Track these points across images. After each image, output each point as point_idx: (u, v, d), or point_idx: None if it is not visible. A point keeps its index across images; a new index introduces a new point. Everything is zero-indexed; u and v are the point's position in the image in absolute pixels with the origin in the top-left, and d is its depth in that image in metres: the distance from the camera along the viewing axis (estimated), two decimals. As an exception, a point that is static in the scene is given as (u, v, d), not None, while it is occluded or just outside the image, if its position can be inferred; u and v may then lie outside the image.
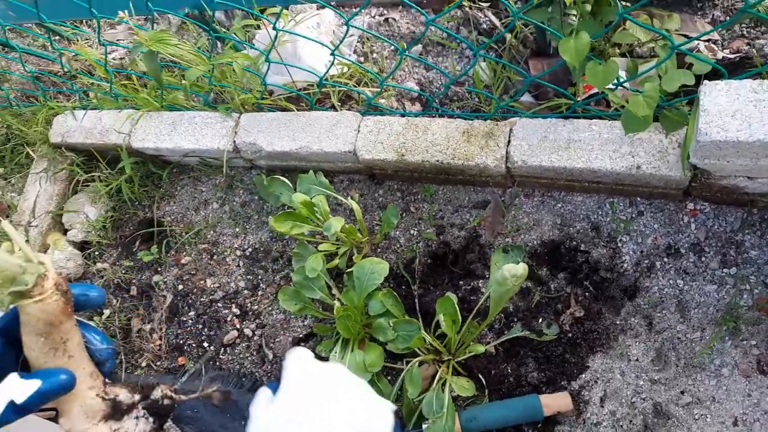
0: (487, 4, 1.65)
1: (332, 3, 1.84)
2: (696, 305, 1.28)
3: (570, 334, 1.35)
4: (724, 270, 1.28)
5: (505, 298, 1.17)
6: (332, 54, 1.36)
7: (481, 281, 1.48)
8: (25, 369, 0.64)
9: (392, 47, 1.79)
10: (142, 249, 1.93)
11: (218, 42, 1.84)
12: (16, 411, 0.55)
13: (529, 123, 1.37)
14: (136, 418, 0.68)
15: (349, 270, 1.45)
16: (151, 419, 0.69)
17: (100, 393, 0.65)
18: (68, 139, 1.98)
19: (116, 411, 0.67)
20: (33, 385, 0.57)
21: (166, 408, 0.70)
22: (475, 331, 1.38)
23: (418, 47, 1.75)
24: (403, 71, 1.71)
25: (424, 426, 1.28)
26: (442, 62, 1.72)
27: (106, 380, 0.68)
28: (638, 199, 1.40)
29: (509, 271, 1.10)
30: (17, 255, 0.59)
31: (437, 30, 1.74)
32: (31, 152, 2.05)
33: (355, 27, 1.49)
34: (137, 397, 0.68)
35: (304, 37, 1.41)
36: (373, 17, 1.84)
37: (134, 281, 1.89)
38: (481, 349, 1.29)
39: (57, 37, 2.36)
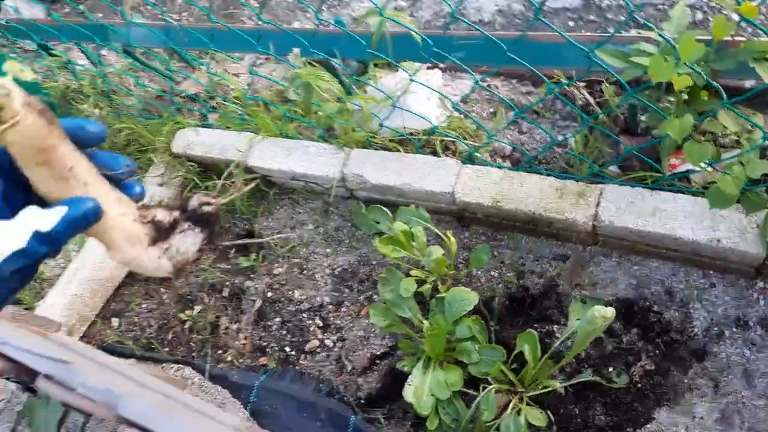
0: (583, 84, 1.87)
1: (441, 66, 2.11)
2: (761, 375, 1.39)
3: (639, 385, 1.47)
4: (791, 345, 1.39)
5: (591, 337, 1.31)
6: (454, 107, 1.58)
7: (556, 326, 1.63)
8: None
9: (490, 110, 2.02)
10: (237, 256, 2.14)
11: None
12: (44, 241, 0.50)
13: (617, 189, 1.55)
14: (182, 232, 0.62)
15: (439, 296, 1.61)
16: (197, 229, 0.63)
17: (136, 218, 0.59)
18: (189, 151, 2.25)
19: (160, 231, 0.60)
20: (58, 213, 0.51)
21: (209, 215, 0.63)
22: (549, 369, 1.51)
23: (512, 112, 1.98)
24: (495, 131, 1.93)
25: (494, 449, 1.40)
26: (536, 128, 1.94)
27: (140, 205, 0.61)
28: (711, 271, 1.54)
29: (599, 312, 1.26)
30: None
31: (534, 100, 1.97)
32: (153, 158, 2.33)
33: (481, 87, 1.72)
34: (176, 213, 0.62)
35: (435, 91, 1.65)
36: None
37: (227, 284, 2.09)
38: (556, 384, 1.43)
39: (179, 63, 2.70)
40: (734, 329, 1.46)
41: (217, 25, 1.78)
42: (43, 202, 0.54)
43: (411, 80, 1.64)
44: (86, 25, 2.14)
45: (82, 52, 2.55)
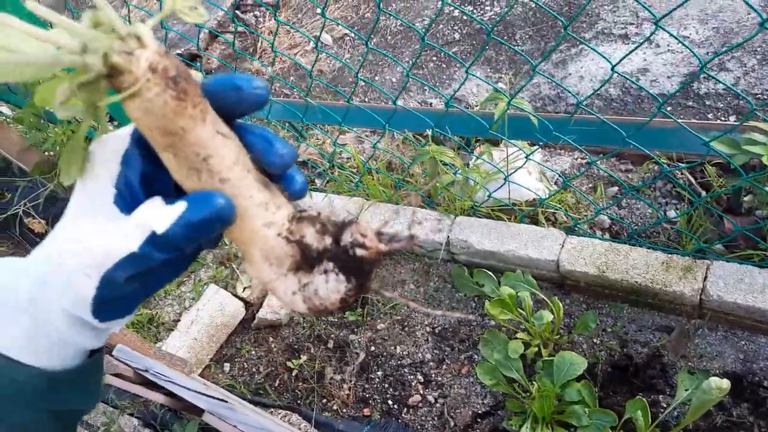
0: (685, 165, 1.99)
1: (541, 143, 2.29)
2: None
3: (752, 461, 1.49)
4: None
5: (704, 408, 1.38)
6: (565, 182, 1.75)
7: (661, 396, 1.68)
8: None
9: (589, 185, 2.17)
10: (342, 311, 2.32)
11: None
12: (158, 245, 0.38)
13: (725, 266, 1.64)
14: (325, 272, 0.44)
15: (546, 359, 1.72)
16: (342, 278, 0.44)
17: (282, 231, 0.44)
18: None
19: (306, 257, 0.44)
20: (176, 211, 0.38)
21: (362, 261, 0.44)
22: (658, 438, 1.56)
23: (614, 188, 2.12)
24: (600, 204, 2.07)
25: None
26: (635, 204, 2.06)
27: (295, 210, 0.45)
28: (824, 350, 1.57)
29: (715, 383, 1.33)
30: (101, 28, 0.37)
31: (634, 178, 2.11)
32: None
33: (598, 167, 1.88)
34: (328, 241, 0.44)
35: (545, 167, 1.82)
36: (575, 159, 2.26)
37: (333, 336, 2.26)
38: (667, 453, 1.47)
39: (288, 133, 3.03)
40: None
41: (351, 104, 2.06)
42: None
43: (527, 158, 1.82)
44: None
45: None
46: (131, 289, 0.41)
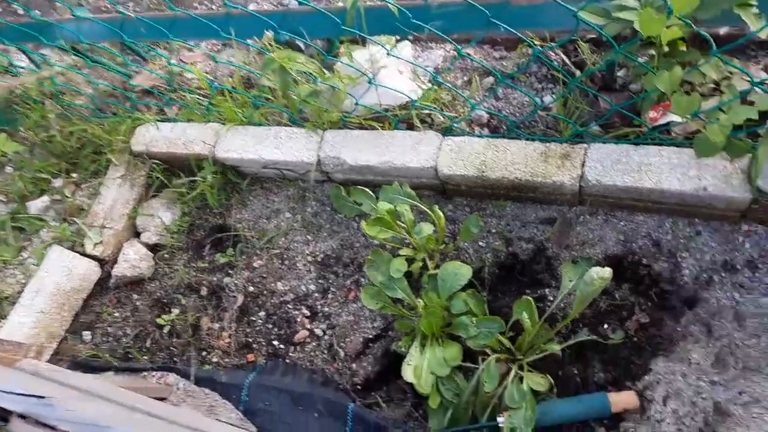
0: (557, 43, 1.92)
1: (410, 38, 2.14)
2: (752, 315, 1.48)
3: (634, 339, 1.54)
4: (777, 285, 1.49)
5: (590, 298, 1.37)
6: (434, 78, 1.62)
7: (547, 290, 1.69)
8: None
9: (464, 78, 2.07)
10: (212, 253, 2.13)
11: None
12: None
13: (601, 148, 1.62)
14: None
15: (431, 273, 1.65)
16: None
17: None
18: (151, 148, 2.22)
19: None
20: None
21: None
22: (547, 334, 1.57)
23: (490, 78, 2.03)
24: (475, 99, 1.97)
25: (499, 419, 1.45)
26: (511, 94, 1.99)
27: None
28: (696, 220, 1.63)
29: (597, 273, 1.32)
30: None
31: (508, 65, 2.02)
32: (113, 159, 2.29)
33: (464, 55, 1.75)
34: None
35: (412, 63, 1.67)
36: (448, 51, 2.13)
37: (204, 282, 2.08)
38: (556, 348, 1.49)
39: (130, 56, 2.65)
40: (723, 274, 1.55)
41: (177, 13, 1.76)
42: None
43: (388, 54, 1.66)
44: (29, 24, 2.07)
45: (23, 52, 2.47)
46: None
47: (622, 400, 1.46)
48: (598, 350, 1.57)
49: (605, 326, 1.59)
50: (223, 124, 2.13)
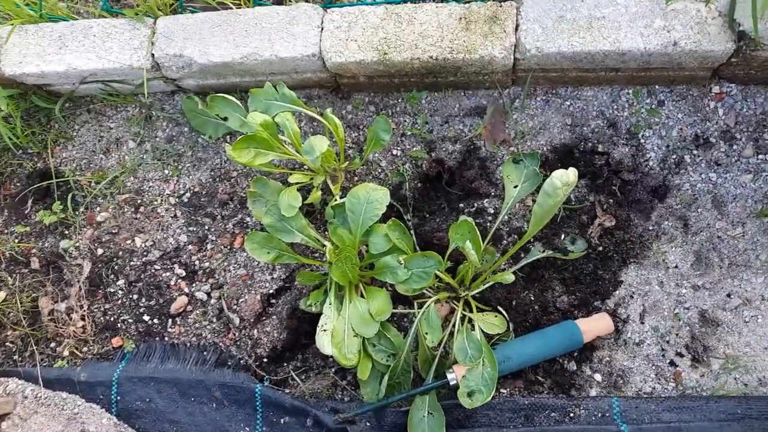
0: None
1: None
2: (733, 198, 1.22)
3: (599, 248, 1.25)
4: (759, 156, 1.23)
5: (552, 211, 1.03)
6: None
7: (486, 200, 1.34)
8: None
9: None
10: (37, 209, 1.57)
11: None
12: None
13: (538, 2, 1.20)
14: None
15: (336, 203, 1.23)
16: None
17: None
18: None
19: None
20: None
21: None
22: (492, 258, 1.24)
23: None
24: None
25: (449, 375, 1.14)
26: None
27: None
28: (657, 87, 1.30)
29: (560, 179, 0.96)
30: None
31: None
32: None
33: None
34: None
35: None
36: None
37: (34, 251, 1.54)
38: (510, 277, 1.15)
39: None
40: (695, 152, 1.26)
41: None
42: None
43: None
44: None
45: None
46: None
47: (594, 326, 1.18)
48: (556, 268, 1.26)
49: (562, 237, 1.27)
50: (8, 21, 1.47)
